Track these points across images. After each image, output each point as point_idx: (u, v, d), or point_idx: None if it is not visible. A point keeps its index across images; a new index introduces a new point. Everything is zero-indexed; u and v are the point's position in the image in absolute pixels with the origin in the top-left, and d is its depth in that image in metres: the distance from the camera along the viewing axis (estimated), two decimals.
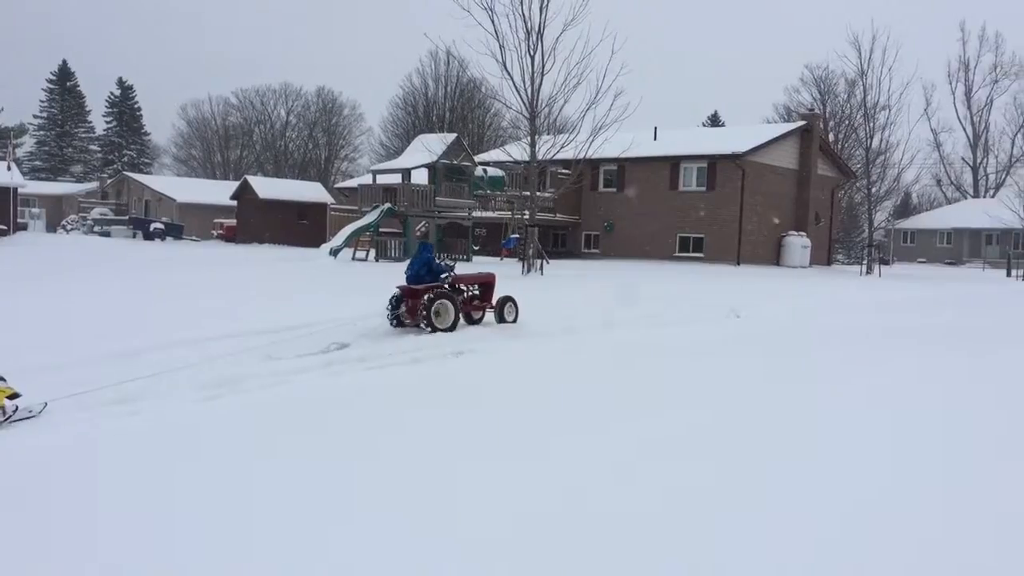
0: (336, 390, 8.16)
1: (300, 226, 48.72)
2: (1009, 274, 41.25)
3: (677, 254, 37.05)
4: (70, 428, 6.46)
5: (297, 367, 9.04)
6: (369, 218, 31.09)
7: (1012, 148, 76.89)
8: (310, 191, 52.81)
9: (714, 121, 77.66)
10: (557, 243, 41.31)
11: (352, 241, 30.80)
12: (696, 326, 13.78)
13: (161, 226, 50.51)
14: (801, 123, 40.87)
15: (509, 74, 26.04)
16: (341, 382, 8.51)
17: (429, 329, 12.03)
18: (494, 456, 5.76)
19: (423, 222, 33.01)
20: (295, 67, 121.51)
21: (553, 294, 17.68)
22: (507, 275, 24.23)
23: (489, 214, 38.85)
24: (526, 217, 28.57)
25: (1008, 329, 14.51)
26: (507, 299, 13.75)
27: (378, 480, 5.16)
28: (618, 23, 25.99)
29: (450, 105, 72.12)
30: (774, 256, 37.76)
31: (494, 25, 25.67)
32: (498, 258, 35.27)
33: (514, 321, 13.51)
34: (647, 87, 31.96)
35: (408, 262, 13.50)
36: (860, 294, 22.45)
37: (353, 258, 30.40)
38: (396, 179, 33.56)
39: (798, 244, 37.77)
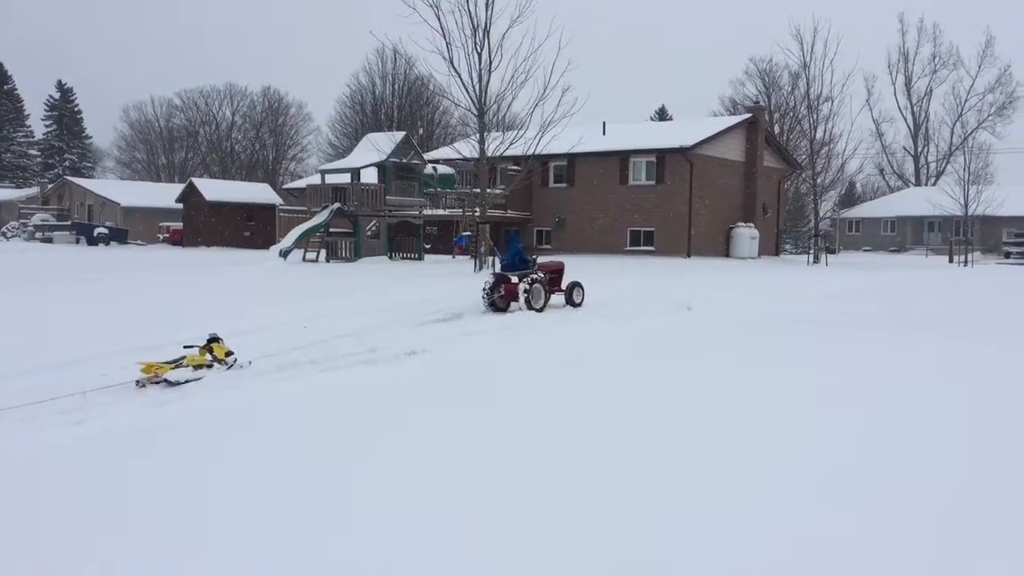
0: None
1: (249, 228, 48.12)
2: (951, 260, 42.23)
3: (628, 248, 37.29)
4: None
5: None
6: (319, 219, 30.79)
7: (951, 137, 78.73)
8: (258, 192, 52.18)
9: (662, 115, 78.24)
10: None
11: (302, 242, 30.49)
12: (648, 319, 13.89)
13: (105, 231, 49.62)
14: (747, 116, 41.38)
15: (457, 71, 25.98)
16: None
17: (527, 309, 14.33)
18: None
19: (373, 221, 32.78)
20: (240, 67, 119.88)
21: None
22: (459, 272, 24.25)
23: (440, 212, 38.71)
24: (477, 214, 28.54)
25: (944, 313, 14.83)
26: (575, 284, 15.69)
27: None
28: (564, 19, 26.03)
29: (398, 103, 71.79)
30: (724, 248, 38.19)
31: (440, 22, 25.58)
32: (450, 256, 35.20)
33: (581, 303, 15.47)
34: (594, 83, 32.14)
35: (506, 250, 15.81)
36: (808, 283, 22.80)
37: (303, 259, 30.10)
38: (345, 179, 33.26)
39: (747, 235, 38.24)
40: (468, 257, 30.04)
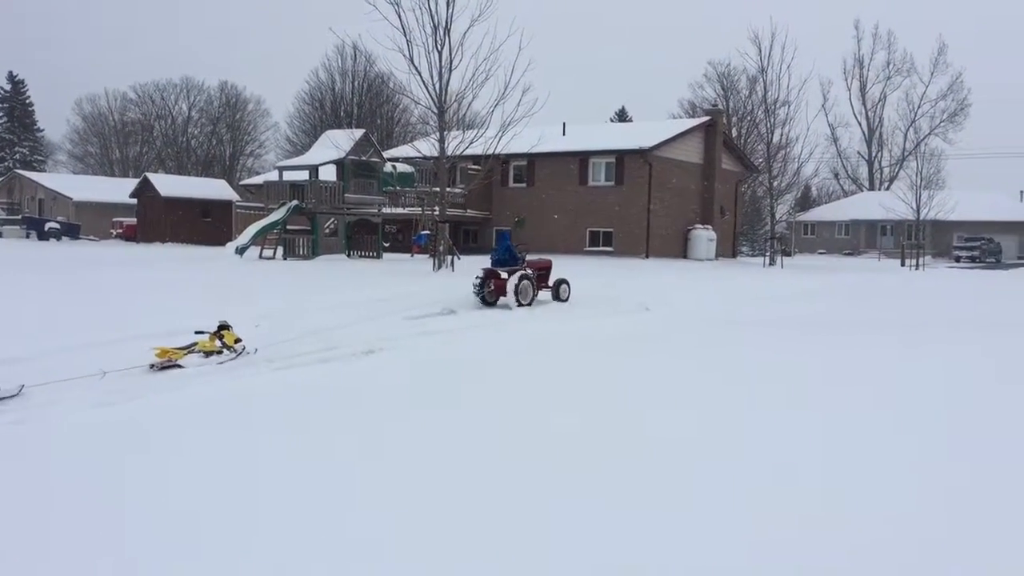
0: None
1: (204, 224, 47.43)
2: (903, 263, 43.01)
3: (588, 248, 37.44)
4: None
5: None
6: (276, 215, 30.46)
7: (904, 142, 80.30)
8: (214, 188, 51.48)
9: (621, 116, 78.64)
10: (468, 239, 41.27)
11: (259, 239, 30.14)
12: (609, 319, 13.97)
13: (57, 226, 48.67)
14: (705, 119, 41.77)
15: (417, 69, 25.82)
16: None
17: (516, 304, 14.99)
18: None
19: (332, 219, 32.51)
20: (197, 61, 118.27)
21: (466, 292, 17.60)
22: (418, 271, 24.14)
23: (399, 210, 38.53)
24: (436, 213, 28.43)
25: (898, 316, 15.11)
26: (562, 281, 16.53)
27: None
28: (525, 19, 26.03)
29: (358, 100, 71.32)
30: (681, 249, 38.50)
31: (401, 20, 25.39)
32: (409, 255, 35.04)
33: (567, 299, 16.30)
34: (555, 83, 32.19)
35: (494, 247, 16.56)
36: (764, 286, 23.07)
37: (260, 256, 29.77)
38: (304, 176, 32.95)
39: (704, 237, 38.59)
40: (427, 256, 29.91)
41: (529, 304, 15.36)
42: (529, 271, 15.86)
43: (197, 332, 9.46)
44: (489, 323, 13.35)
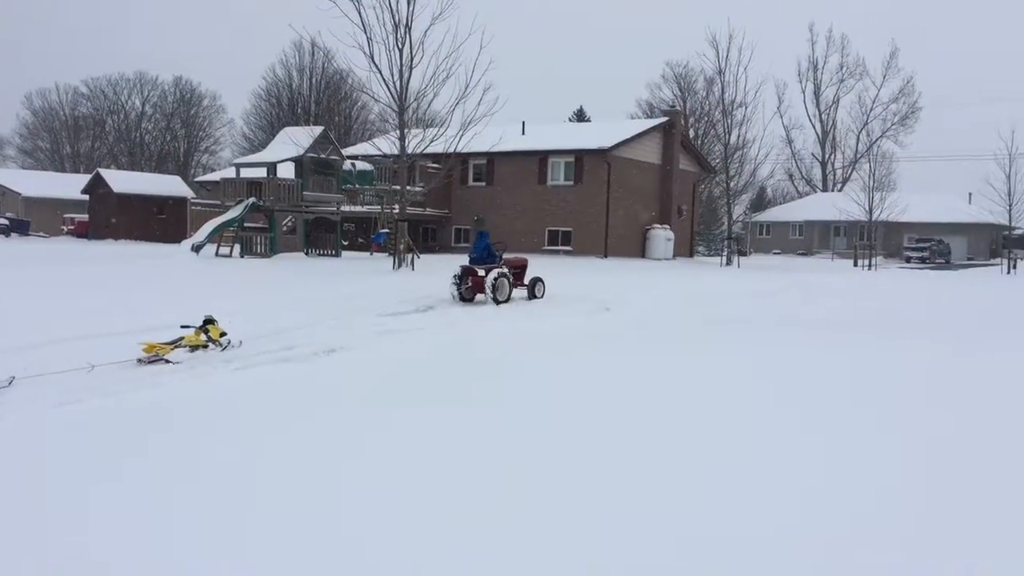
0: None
1: (159, 221, 46.75)
2: (856, 264, 43.73)
3: (547, 247, 37.54)
4: None
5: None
6: (233, 213, 30.08)
7: (857, 144, 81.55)
8: (169, 185, 50.75)
9: (580, 116, 78.78)
10: (428, 237, 41.16)
11: (216, 237, 29.76)
12: (570, 319, 14.04)
13: (6, 222, 47.70)
14: (664, 119, 42.09)
15: (377, 67, 25.69)
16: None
17: (494, 301, 15.52)
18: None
19: (290, 217, 32.21)
20: (151, 56, 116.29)
21: (427, 291, 17.59)
22: (378, 270, 24.04)
23: (358, 209, 38.30)
24: (396, 212, 28.31)
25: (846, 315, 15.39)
26: (537, 279, 17.02)
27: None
28: (486, 17, 26.01)
29: (316, 97, 70.74)
30: (639, 249, 38.77)
31: (361, 17, 25.24)
32: (368, 253, 34.85)
33: (542, 296, 16.82)
34: (515, 82, 32.23)
35: (473, 244, 16.83)
36: (722, 284, 23.32)
37: (216, 254, 29.41)
38: (261, 173, 32.59)
39: (662, 237, 38.91)
40: (386, 255, 29.78)
41: (506, 301, 15.83)
42: (506, 269, 16.35)
43: (183, 327, 9.67)
44: (468, 319, 13.41)
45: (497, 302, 15.61)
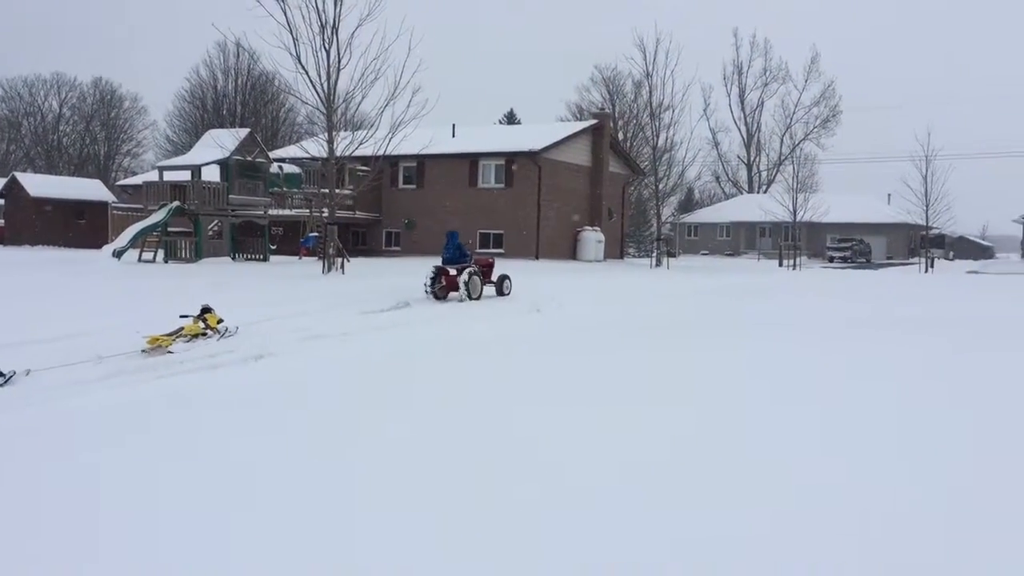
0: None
1: (79, 226, 45.37)
2: (781, 264, 44.73)
3: (479, 251, 37.45)
4: None
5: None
6: (156, 217, 29.35)
7: (781, 147, 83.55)
8: (89, 188, 49.31)
9: (510, 119, 79.10)
10: (358, 241, 40.76)
11: (138, 242, 28.98)
12: (503, 320, 14.03)
13: None
14: (593, 122, 42.48)
15: (304, 68, 25.30)
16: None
17: (468, 298, 16.51)
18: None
19: (216, 221, 31.52)
20: (68, 56, 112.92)
21: (357, 296, 17.38)
22: (307, 275, 23.66)
23: (287, 212, 37.73)
24: (325, 215, 27.94)
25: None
26: (504, 277, 18.21)
27: None
28: (415, 19, 25.88)
29: (242, 99, 69.60)
30: (571, 251, 39.01)
31: (287, 17, 24.83)
32: (297, 257, 34.35)
33: (509, 293, 17.95)
34: (445, 85, 32.05)
35: (445, 245, 17.70)
36: (652, 286, 23.58)
37: (139, 260, 28.65)
38: (186, 176, 31.88)
39: (593, 239, 39.21)
40: (316, 259, 29.36)
41: (478, 298, 16.89)
42: (476, 268, 17.37)
43: (182, 316, 9.97)
44: (409, 324, 13.23)
45: (471, 298, 16.64)
